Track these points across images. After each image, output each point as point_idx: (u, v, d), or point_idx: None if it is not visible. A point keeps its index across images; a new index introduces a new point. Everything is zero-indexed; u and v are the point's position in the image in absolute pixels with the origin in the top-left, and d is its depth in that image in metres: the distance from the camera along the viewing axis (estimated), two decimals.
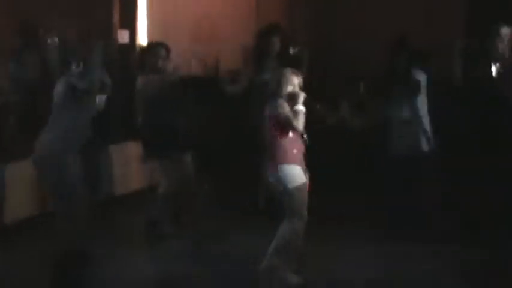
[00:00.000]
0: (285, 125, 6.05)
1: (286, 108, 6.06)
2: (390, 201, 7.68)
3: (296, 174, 6.03)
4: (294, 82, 6.18)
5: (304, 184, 6.02)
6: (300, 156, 6.11)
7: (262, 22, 10.36)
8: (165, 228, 7.44)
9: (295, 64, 7.75)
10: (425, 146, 7.57)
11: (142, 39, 9.14)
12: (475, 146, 7.94)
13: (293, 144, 6.09)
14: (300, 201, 6.03)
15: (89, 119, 6.43)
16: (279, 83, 6.16)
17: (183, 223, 7.70)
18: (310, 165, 6.17)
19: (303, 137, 6.18)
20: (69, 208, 6.35)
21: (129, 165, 9.03)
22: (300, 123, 6.05)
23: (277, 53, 8.04)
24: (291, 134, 6.10)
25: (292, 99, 6.14)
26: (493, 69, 7.72)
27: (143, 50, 7.72)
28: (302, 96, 6.12)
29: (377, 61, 9.04)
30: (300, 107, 6.07)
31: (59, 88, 6.30)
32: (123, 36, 8.98)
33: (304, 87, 6.40)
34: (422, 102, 7.66)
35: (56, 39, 8.08)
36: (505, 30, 7.70)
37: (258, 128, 7.34)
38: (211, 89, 8.82)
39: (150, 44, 7.68)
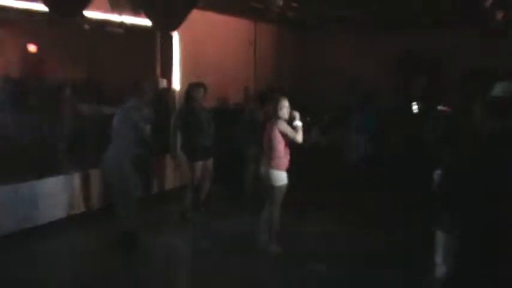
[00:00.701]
0: (289, 140, 6.16)
1: (288, 128, 6.18)
2: (346, 194, 7.87)
3: (283, 177, 6.25)
4: (286, 104, 6.22)
5: (285, 184, 6.25)
6: (287, 164, 6.27)
7: (258, 72, 10.90)
8: (191, 215, 7.70)
9: None
10: (370, 156, 7.89)
11: (176, 85, 9.37)
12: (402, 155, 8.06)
13: (284, 155, 6.26)
14: (280, 195, 6.27)
15: (137, 140, 6.49)
16: (275, 108, 6.19)
17: (202, 211, 7.90)
18: (294, 170, 6.37)
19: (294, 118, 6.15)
20: (125, 199, 6.48)
21: (164, 171, 9.09)
22: (300, 136, 6.18)
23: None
24: (284, 148, 6.20)
25: (290, 117, 6.21)
26: (412, 105, 7.90)
27: (190, 86, 7.71)
28: (297, 114, 6.22)
29: (339, 97, 9.55)
30: (298, 123, 6.20)
31: (118, 117, 6.47)
32: (163, 83, 9.21)
33: None
34: (368, 128, 7.91)
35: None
36: (419, 79, 8.12)
37: (243, 146, 7.84)
38: (224, 116, 9.01)
39: (195, 83, 7.72)
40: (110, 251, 6.43)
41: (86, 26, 7.66)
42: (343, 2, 9.21)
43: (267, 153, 6.27)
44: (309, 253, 6.39)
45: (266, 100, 7.69)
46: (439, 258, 5.40)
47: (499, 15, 8.83)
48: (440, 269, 5.39)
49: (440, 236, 5.46)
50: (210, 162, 7.79)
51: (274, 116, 6.19)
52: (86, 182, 7.68)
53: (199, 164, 7.61)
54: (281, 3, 8.47)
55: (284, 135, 6.14)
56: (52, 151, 7.36)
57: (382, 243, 6.71)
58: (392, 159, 7.97)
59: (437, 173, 5.30)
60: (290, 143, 6.20)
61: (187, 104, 7.63)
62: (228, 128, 8.56)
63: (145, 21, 8.50)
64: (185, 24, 8.68)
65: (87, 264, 6.22)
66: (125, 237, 6.47)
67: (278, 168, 6.21)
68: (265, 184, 6.31)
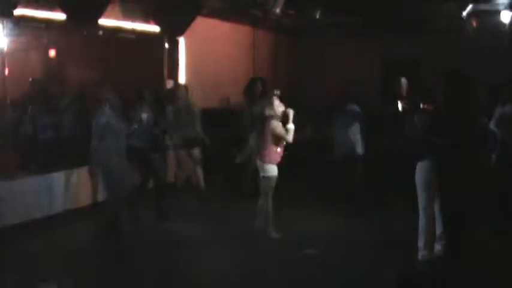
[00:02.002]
0: (281, 139, 6.22)
1: (280, 128, 6.21)
2: (336, 184, 7.85)
3: (273, 169, 6.34)
4: (277, 102, 6.27)
5: (275, 176, 6.33)
6: (279, 158, 6.36)
7: (257, 74, 10.55)
8: (195, 203, 7.83)
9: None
10: (358, 151, 7.75)
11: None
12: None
13: (277, 151, 6.34)
14: (272, 185, 6.36)
15: (124, 140, 6.51)
16: (269, 108, 6.24)
17: (204, 199, 7.89)
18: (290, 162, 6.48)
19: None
20: (115, 194, 6.45)
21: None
22: (291, 137, 6.24)
23: (260, 94, 8.23)
24: (276, 145, 6.24)
25: (284, 116, 6.22)
26: (398, 105, 7.86)
27: (175, 87, 8.04)
28: (292, 113, 6.22)
29: (329, 98, 9.41)
30: (291, 126, 6.21)
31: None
32: (169, 83, 9.27)
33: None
34: (356, 125, 7.79)
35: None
36: (403, 80, 7.96)
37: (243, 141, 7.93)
38: (223, 114, 9.15)
39: (178, 84, 8.07)
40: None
41: (101, 33, 7.75)
42: (337, 9, 9.27)
43: (260, 147, 6.40)
44: (303, 239, 6.43)
45: (255, 91, 8.06)
46: (421, 243, 5.61)
47: (475, 23, 8.88)
48: (422, 252, 5.61)
49: (422, 223, 5.61)
50: (195, 151, 7.84)
51: (267, 114, 6.23)
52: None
53: (181, 153, 7.77)
54: (279, 11, 8.51)
55: (275, 134, 6.20)
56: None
57: (372, 231, 6.74)
58: (379, 153, 7.94)
59: (419, 165, 5.55)
60: (280, 141, 6.27)
61: (174, 102, 7.83)
62: (229, 125, 8.65)
63: (154, 28, 8.64)
64: (190, 30, 8.86)
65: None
66: (111, 226, 6.46)
67: (269, 162, 6.31)
68: (259, 175, 6.46)
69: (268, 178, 6.32)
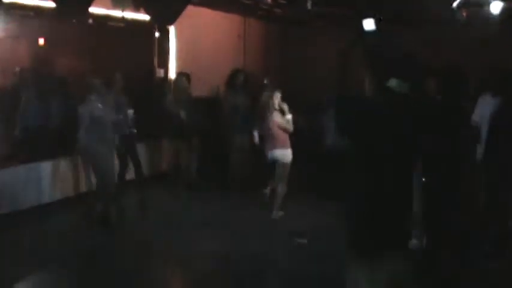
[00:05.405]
0: (283, 129, 6.71)
1: (280, 119, 6.69)
2: (327, 175, 7.50)
3: (290, 154, 6.78)
4: (278, 96, 6.75)
5: (291, 160, 6.78)
6: (289, 142, 6.80)
7: (247, 64, 10.84)
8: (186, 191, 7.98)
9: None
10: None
11: (172, 75, 9.41)
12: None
13: (286, 136, 6.75)
14: (288, 170, 6.80)
15: (111, 129, 6.50)
16: (271, 102, 6.69)
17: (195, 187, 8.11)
18: None
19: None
20: (104, 182, 6.47)
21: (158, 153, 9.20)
22: (290, 126, 6.72)
23: (240, 85, 8.41)
24: (282, 131, 6.71)
25: (282, 111, 6.72)
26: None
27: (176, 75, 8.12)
28: (286, 106, 6.75)
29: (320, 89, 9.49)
30: (289, 116, 6.73)
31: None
32: (160, 73, 9.30)
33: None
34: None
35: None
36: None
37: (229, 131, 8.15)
38: (213, 103, 9.23)
39: (179, 73, 8.14)
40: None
41: (91, 21, 7.74)
42: None
43: (270, 138, 6.74)
44: (294, 228, 6.49)
45: (236, 83, 8.28)
46: (414, 233, 5.66)
47: (464, 13, 8.91)
48: (413, 241, 5.67)
49: (416, 216, 5.67)
50: (194, 140, 8.09)
51: (270, 108, 6.66)
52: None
53: (178, 142, 7.95)
54: (269, 0, 8.50)
55: (279, 125, 6.66)
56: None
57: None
58: None
59: None
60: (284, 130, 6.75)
61: (173, 92, 8.04)
62: (218, 114, 8.74)
63: (144, 16, 8.61)
64: (180, 19, 8.82)
65: None
66: (105, 217, 6.55)
67: (286, 146, 6.71)
68: (276, 162, 6.75)
69: (288, 164, 6.69)
